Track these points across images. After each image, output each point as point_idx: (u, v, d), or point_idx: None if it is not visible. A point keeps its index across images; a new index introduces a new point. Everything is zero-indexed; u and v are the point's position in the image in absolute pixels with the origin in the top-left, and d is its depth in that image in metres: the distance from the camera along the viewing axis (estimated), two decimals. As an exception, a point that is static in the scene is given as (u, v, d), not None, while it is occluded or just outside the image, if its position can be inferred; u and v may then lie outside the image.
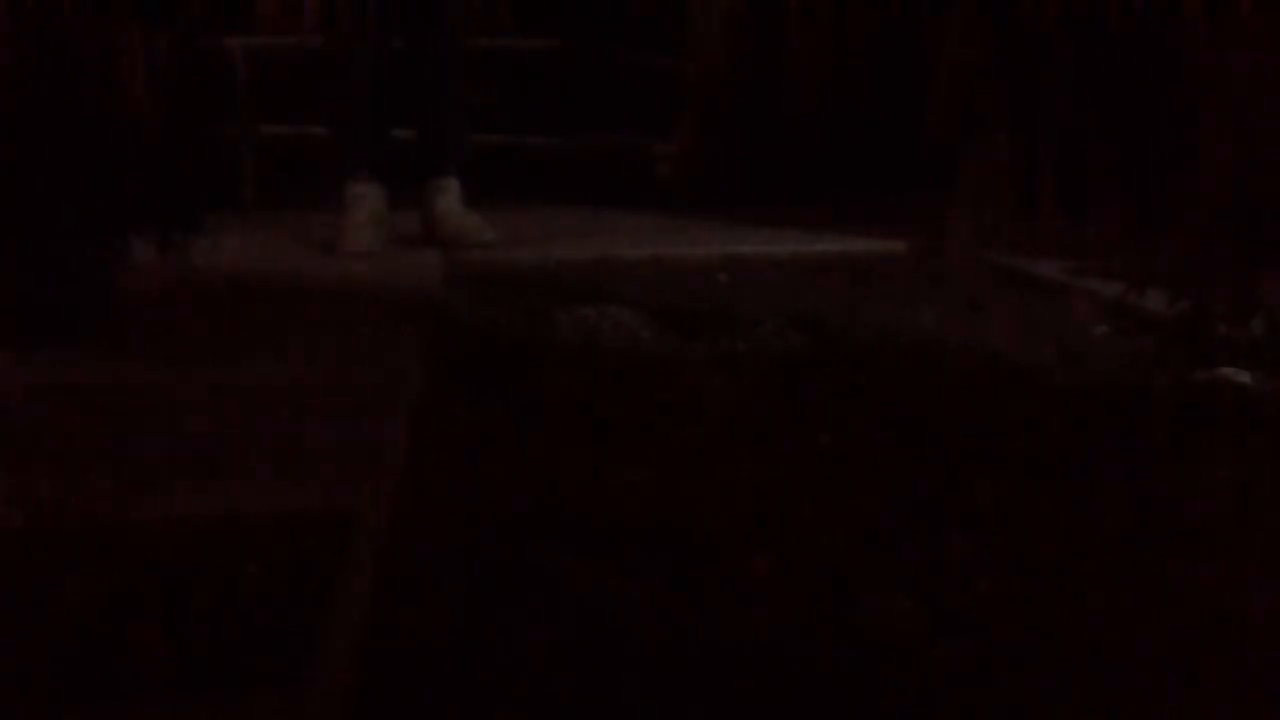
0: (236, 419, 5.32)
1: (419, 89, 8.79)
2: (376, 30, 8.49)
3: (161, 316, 6.97)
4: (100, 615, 3.63)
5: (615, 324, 6.93)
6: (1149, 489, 4.65)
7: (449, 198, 8.86)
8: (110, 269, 6.86)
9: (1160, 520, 4.39)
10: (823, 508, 4.45)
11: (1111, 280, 7.27)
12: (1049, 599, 3.86)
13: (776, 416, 5.47)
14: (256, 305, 7.32)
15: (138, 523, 4.20)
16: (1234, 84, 7.73)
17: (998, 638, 3.62)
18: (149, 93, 7.21)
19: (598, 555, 4.06)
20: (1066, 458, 4.98)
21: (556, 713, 3.30)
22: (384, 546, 4.13)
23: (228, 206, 9.16)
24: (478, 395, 5.69)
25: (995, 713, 3.32)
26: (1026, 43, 9.00)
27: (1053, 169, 8.80)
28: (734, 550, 4.13)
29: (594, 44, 11.34)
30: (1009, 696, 3.36)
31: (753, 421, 5.45)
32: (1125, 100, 8.48)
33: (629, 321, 6.97)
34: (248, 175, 10.82)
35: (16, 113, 6.71)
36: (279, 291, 7.63)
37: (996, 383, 5.89)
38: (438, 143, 8.98)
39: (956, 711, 3.32)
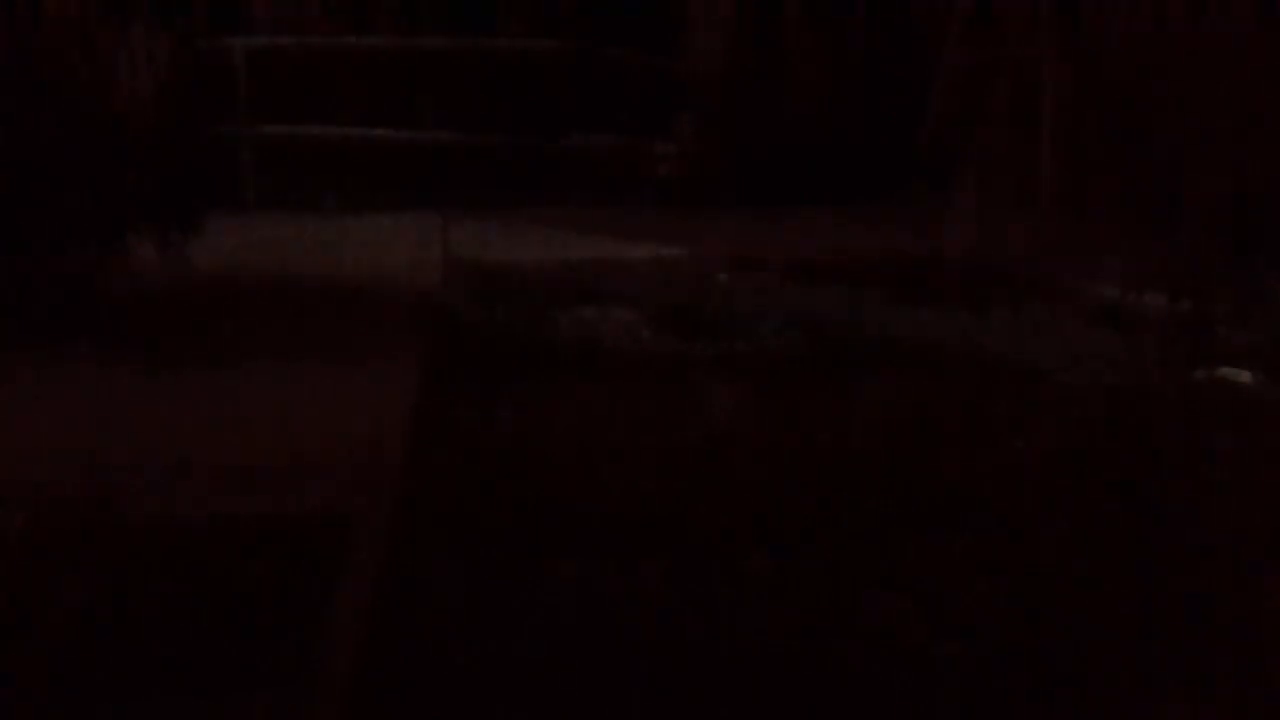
0: (236, 419, 5.32)
1: None
2: None
3: (161, 316, 6.97)
4: (100, 615, 3.63)
5: (615, 324, 6.94)
6: (1149, 488, 4.65)
7: None
8: (110, 269, 6.87)
9: (1160, 519, 4.39)
10: (823, 507, 4.45)
11: (1111, 280, 7.28)
12: (1049, 599, 3.86)
13: (776, 416, 5.48)
14: (255, 305, 7.33)
15: (138, 523, 4.20)
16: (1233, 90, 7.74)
17: (998, 638, 3.62)
18: (149, 93, 7.21)
19: (597, 554, 4.06)
20: (1067, 458, 4.98)
21: (556, 712, 3.30)
22: (384, 546, 4.13)
23: (228, 206, 9.16)
24: (477, 395, 5.69)
25: (995, 713, 3.33)
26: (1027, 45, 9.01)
27: (1053, 170, 8.81)
28: (733, 550, 4.13)
29: (594, 44, 11.35)
30: (1009, 696, 3.36)
31: (752, 421, 5.46)
32: (1126, 104, 8.49)
33: (629, 321, 6.98)
34: (248, 175, 10.83)
35: (17, 114, 6.72)
36: (278, 292, 7.63)
37: (996, 383, 5.89)
38: None
39: (956, 711, 3.32)
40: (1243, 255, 7.44)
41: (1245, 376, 5.85)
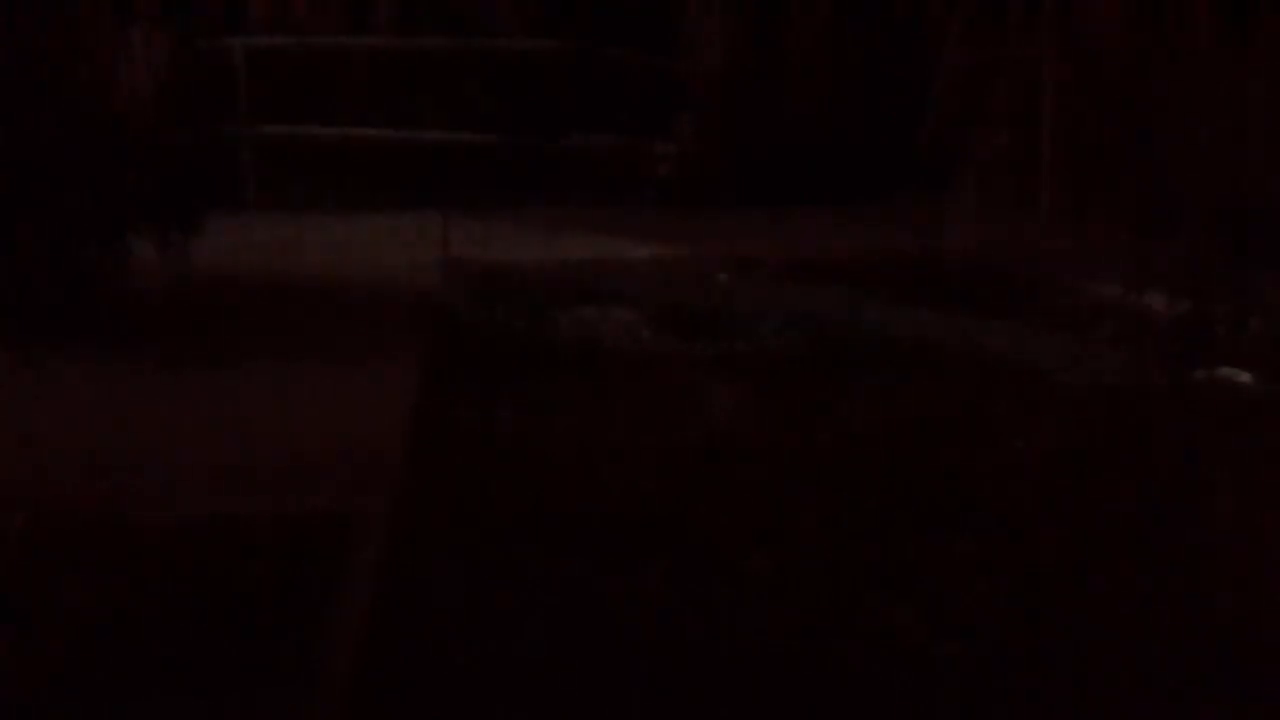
0: (236, 419, 5.32)
1: None
2: None
3: (161, 316, 6.98)
4: (100, 615, 3.63)
5: (615, 324, 6.94)
6: (1149, 488, 4.65)
7: None
8: (110, 269, 6.87)
9: (1160, 519, 4.39)
10: (823, 507, 4.45)
11: (1111, 280, 7.28)
12: (1049, 599, 3.86)
13: (776, 416, 5.48)
14: (255, 305, 7.33)
15: (138, 523, 4.20)
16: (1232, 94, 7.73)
17: (998, 638, 3.62)
18: (149, 93, 7.21)
19: (597, 555, 4.06)
20: (1067, 457, 4.98)
21: (556, 712, 3.30)
22: (384, 546, 4.13)
23: (228, 206, 9.14)
24: (477, 395, 5.69)
25: (995, 713, 3.33)
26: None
27: (1053, 170, 8.81)
28: (733, 550, 4.13)
29: (594, 44, 11.34)
30: (1009, 696, 3.36)
31: (752, 421, 5.45)
32: (1126, 104, 8.49)
33: (629, 321, 6.98)
34: (248, 175, 10.83)
35: (17, 114, 6.72)
36: (278, 291, 7.63)
37: (996, 383, 5.89)
38: None
39: (956, 711, 3.32)
40: (1242, 256, 7.44)
41: (1245, 376, 5.85)
